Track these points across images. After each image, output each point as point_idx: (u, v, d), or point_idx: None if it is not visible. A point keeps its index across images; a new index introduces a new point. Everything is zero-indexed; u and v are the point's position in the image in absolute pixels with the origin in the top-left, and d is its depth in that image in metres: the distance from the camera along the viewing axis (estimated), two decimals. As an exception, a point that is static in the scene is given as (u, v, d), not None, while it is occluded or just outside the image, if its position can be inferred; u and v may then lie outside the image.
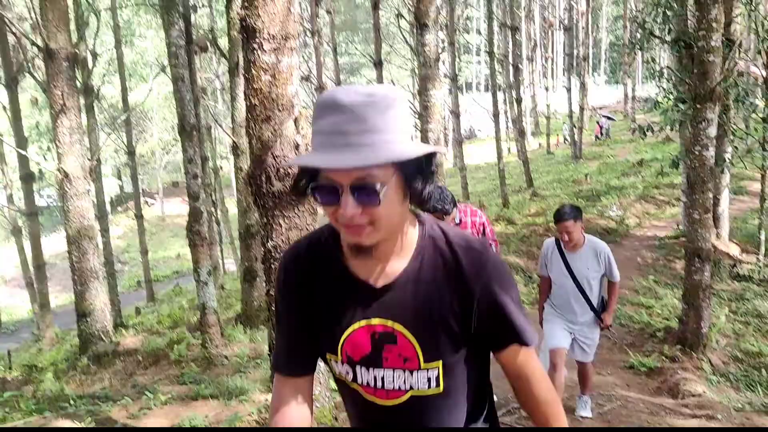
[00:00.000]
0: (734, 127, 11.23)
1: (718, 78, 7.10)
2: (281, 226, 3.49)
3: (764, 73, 10.43)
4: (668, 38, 11.23)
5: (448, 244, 1.51)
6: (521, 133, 22.16)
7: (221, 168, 22.58)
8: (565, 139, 38.14)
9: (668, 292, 10.30)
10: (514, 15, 25.28)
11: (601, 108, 50.55)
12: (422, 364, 1.51)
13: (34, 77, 10.70)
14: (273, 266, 3.55)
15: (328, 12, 22.47)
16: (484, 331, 1.52)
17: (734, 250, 12.33)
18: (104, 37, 10.89)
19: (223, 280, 18.12)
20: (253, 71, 3.35)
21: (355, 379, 1.57)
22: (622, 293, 10.32)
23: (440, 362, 1.51)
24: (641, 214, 16.47)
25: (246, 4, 3.27)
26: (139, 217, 18.33)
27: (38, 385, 6.75)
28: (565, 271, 4.85)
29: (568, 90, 31.09)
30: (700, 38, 7.06)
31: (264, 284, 4.19)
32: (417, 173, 1.39)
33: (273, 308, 3.69)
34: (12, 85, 13.41)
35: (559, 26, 45.92)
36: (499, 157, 19.98)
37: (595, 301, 4.90)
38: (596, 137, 33.57)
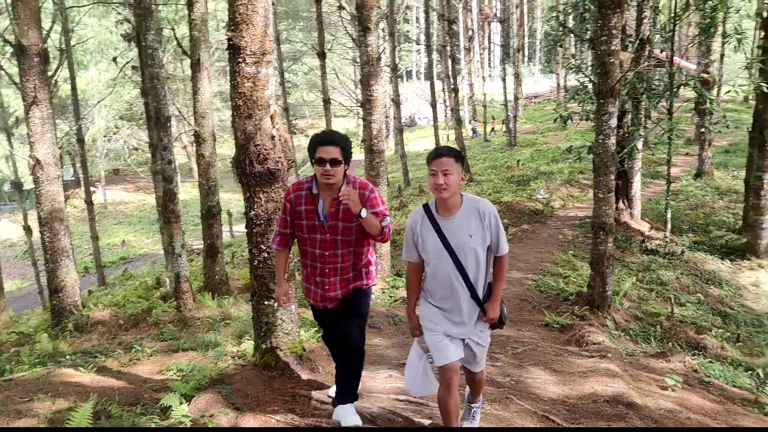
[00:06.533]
0: (642, 117, 12.63)
1: (618, 77, 8.32)
2: (261, 199, 4.45)
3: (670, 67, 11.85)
4: (586, 37, 12.51)
5: None
6: (458, 122, 23.37)
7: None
8: (473, 132, 42.07)
9: (584, 264, 11.56)
10: (452, 7, 26.35)
11: (536, 96, 52.71)
12: None
13: (3, 70, 11.09)
14: (255, 230, 4.52)
15: (273, 3, 23.09)
16: None
17: (645, 227, 13.81)
18: (48, 25, 11.30)
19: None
20: (238, 79, 4.30)
21: None
22: (544, 266, 11.60)
23: None
24: (566, 197, 17.86)
25: (233, 27, 4.20)
26: (89, 203, 18.70)
27: (33, 345, 7.53)
28: (440, 243, 3.59)
29: (503, 80, 32.55)
30: (602, 43, 8.25)
31: (227, 259, 5.08)
32: None
33: (254, 275, 4.65)
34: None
35: (495, 18, 47.42)
36: (437, 144, 21.12)
37: (480, 285, 3.67)
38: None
